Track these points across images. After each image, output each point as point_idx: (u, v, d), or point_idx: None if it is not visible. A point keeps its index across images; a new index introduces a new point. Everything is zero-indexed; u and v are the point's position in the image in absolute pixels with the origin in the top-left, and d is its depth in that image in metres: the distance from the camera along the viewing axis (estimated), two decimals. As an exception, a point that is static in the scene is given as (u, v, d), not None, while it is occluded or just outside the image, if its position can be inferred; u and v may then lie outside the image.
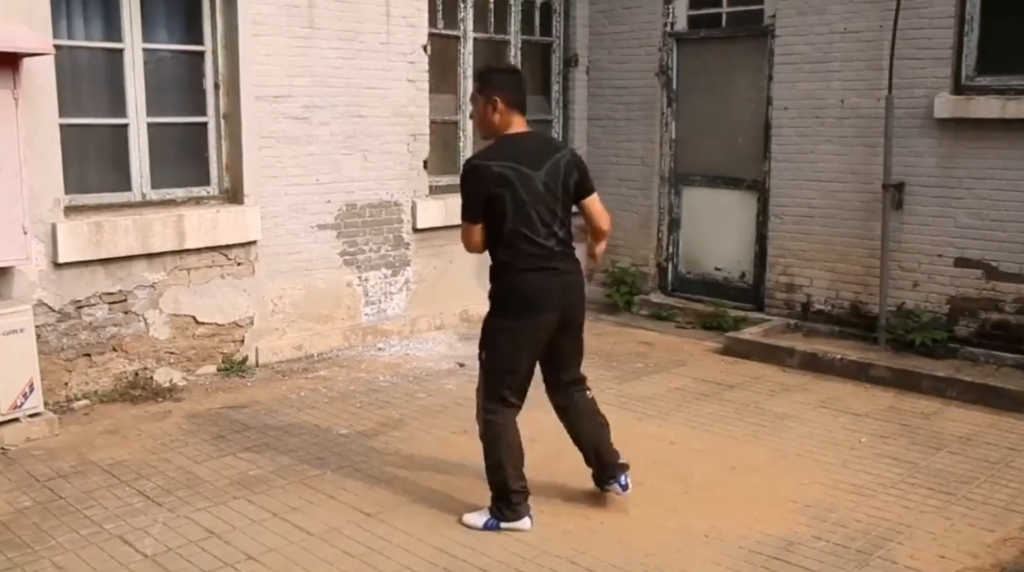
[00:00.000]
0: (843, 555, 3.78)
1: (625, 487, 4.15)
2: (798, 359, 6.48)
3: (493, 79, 3.92)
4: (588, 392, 4.21)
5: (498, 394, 3.94)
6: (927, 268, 6.69)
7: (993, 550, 3.84)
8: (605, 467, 4.17)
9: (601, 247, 4.17)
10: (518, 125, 3.89)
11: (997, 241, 6.37)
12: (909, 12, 6.52)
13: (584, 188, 4.00)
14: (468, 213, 3.84)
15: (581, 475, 4.55)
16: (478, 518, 4.02)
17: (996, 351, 6.34)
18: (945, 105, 6.45)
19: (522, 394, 4.00)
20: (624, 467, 4.18)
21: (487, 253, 3.94)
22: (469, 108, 7.76)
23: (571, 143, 8.52)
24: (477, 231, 3.85)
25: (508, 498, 3.95)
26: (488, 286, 3.97)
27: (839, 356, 6.36)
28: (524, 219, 3.77)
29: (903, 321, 6.69)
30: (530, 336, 3.88)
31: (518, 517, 3.96)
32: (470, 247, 3.93)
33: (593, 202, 4.04)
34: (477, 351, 4.01)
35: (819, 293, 7.26)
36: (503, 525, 3.97)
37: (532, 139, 3.96)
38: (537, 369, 4.06)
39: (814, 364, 6.38)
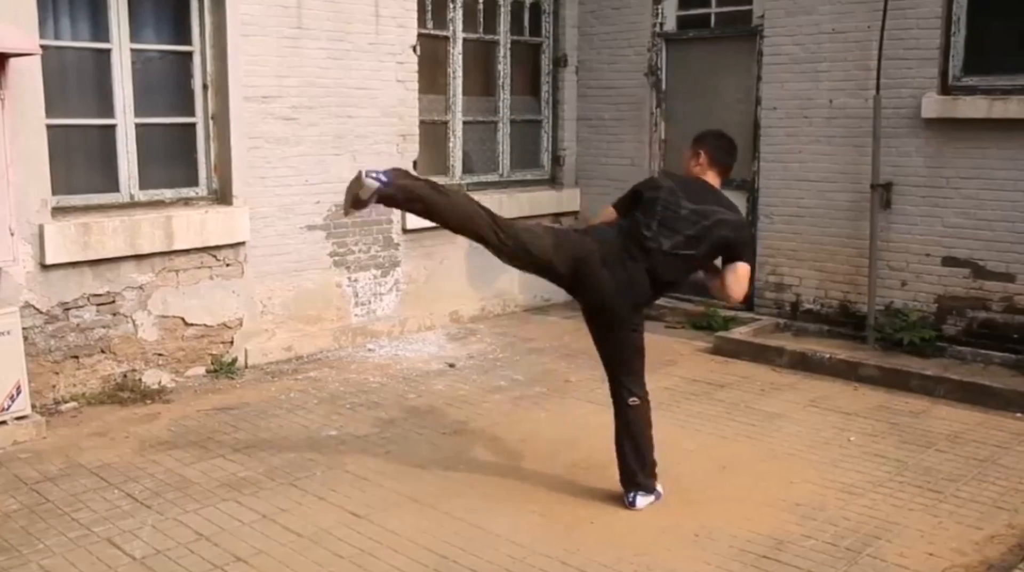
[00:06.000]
0: (832, 553, 3.79)
1: (631, 504, 4.18)
2: (787, 358, 6.50)
3: (705, 136, 4.45)
4: (631, 401, 4.17)
5: (512, 223, 4.11)
6: (915, 267, 6.72)
7: (981, 547, 3.85)
8: (621, 478, 4.24)
9: (717, 290, 4.31)
10: (711, 179, 4.32)
11: (984, 240, 6.40)
12: (897, 13, 6.55)
13: (731, 252, 4.16)
14: (617, 199, 4.40)
15: (573, 474, 4.56)
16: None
17: (983, 350, 6.37)
18: (932, 105, 6.48)
19: (514, 237, 3.98)
20: (636, 485, 4.19)
21: None
22: (460, 108, 7.79)
23: (561, 143, 8.54)
24: (609, 212, 4.38)
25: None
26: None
27: (828, 355, 6.38)
28: (648, 213, 4.12)
29: (892, 320, 6.72)
30: (569, 245, 4.11)
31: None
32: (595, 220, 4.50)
33: (733, 270, 4.15)
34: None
35: (808, 292, 7.28)
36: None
37: (709, 188, 4.28)
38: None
39: (803, 363, 6.40)
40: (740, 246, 4.21)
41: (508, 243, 3.97)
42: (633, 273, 4.05)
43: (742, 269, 4.16)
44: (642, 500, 4.18)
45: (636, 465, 4.19)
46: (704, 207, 4.14)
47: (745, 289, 4.22)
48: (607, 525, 4.05)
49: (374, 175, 3.85)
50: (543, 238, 4.11)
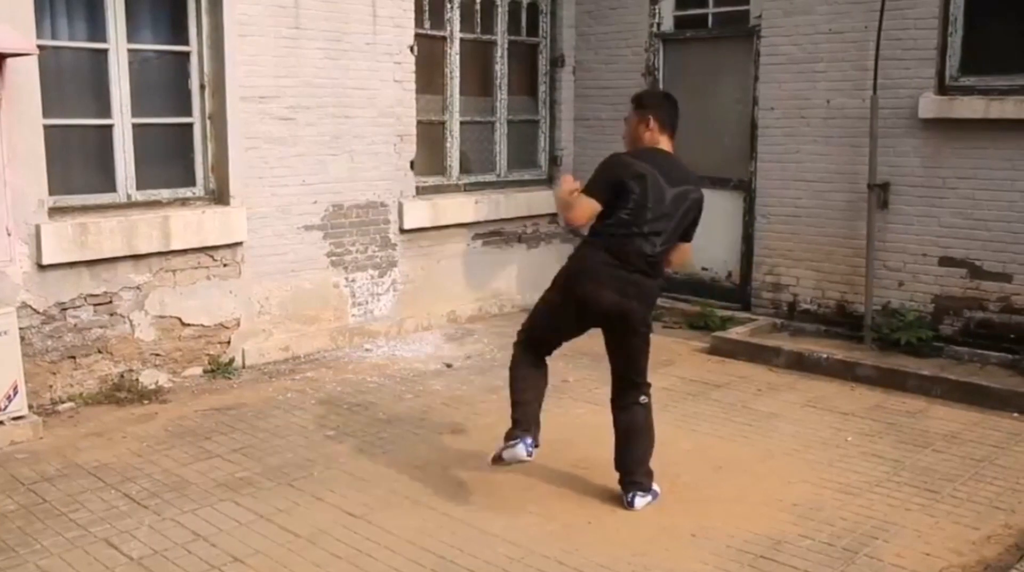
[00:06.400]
0: (830, 553, 3.80)
1: (630, 504, 4.18)
2: (785, 358, 6.50)
3: (648, 99, 4.28)
4: (642, 400, 4.21)
5: (527, 330, 4.30)
6: (912, 267, 6.73)
7: (977, 547, 3.86)
8: (620, 477, 4.25)
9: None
10: (665, 144, 4.17)
11: (981, 240, 6.41)
12: (894, 13, 6.56)
13: (691, 233, 4.22)
14: (593, 190, 4.06)
15: (571, 474, 4.56)
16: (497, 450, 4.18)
17: (980, 349, 6.38)
18: (929, 105, 6.49)
19: (543, 347, 4.28)
20: (634, 485, 4.20)
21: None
22: (457, 108, 7.79)
23: (558, 143, 8.54)
24: (591, 206, 4.02)
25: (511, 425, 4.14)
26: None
27: (825, 355, 6.38)
28: (638, 215, 3.98)
29: (888, 320, 6.72)
30: (565, 307, 4.12)
31: (514, 445, 4.03)
32: (570, 214, 4.06)
33: (686, 249, 4.30)
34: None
35: (805, 292, 7.29)
36: (504, 454, 4.09)
37: (675, 161, 4.16)
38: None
39: (800, 363, 6.41)
40: (696, 225, 4.24)
41: (539, 347, 4.27)
42: (644, 285, 4.07)
43: (687, 247, 4.30)
44: (640, 500, 4.18)
45: (638, 464, 4.21)
46: (682, 189, 4.06)
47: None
48: (605, 525, 4.05)
49: (530, 451, 4.07)
50: (548, 319, 4.20)
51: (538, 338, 4.28)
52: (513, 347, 4.35)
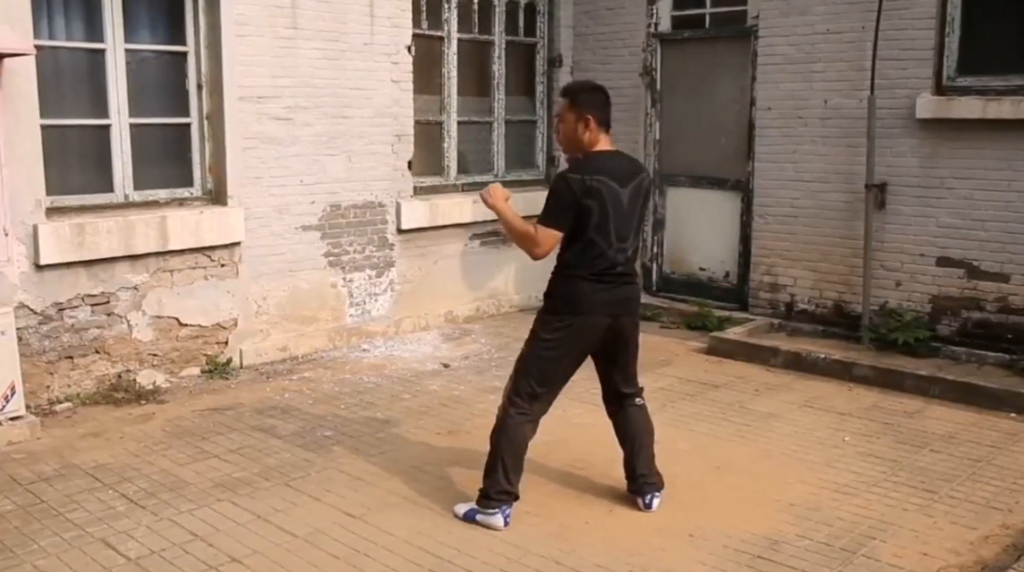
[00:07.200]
0: (827, 553, 3.80)
1: (648, 505, 4.18)
2: (782, 359, 6.51)
3: (584, 98, 3.97)
4: (638, 402, 4.23)
5: (528, 391, 3.98)
6: (909, 267, 6.74)
7: (975, 547, 3.87)
8: (634, 479, 4.22)
9: None
10: (604, 143, 3.97)
11: (978, 240, 6.42)
12: (891, 13, 6.57)
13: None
14: (551, 219, 3.89)
15: (568, 474, 4.56)
16: (463, 507, 4.10)
17: (978, 350, 6.39)
18: (927, 105, 6.49)
19: (551, 395, 4.04)
20: (653, 485, 4.20)
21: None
22: (455, 108, 7.78)
23: (555, 143, 8.53)
24: (553, 237, 3.89)
25: (489, 494, 4.00)
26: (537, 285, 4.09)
27: (823, 355, 6.39)
28: (603, 231, 3.85)
29: (886, 320, 6.73)
30: (576, 340, 3.94)
31: (493, 514, 3.98)
32: (538, 250, 3.93)
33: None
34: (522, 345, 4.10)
35: (803, 293, 7.30)
36: (478, 517, 4.01)
37: (619, 157, 4.03)
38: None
39: (798, 363, 6.41)
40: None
41: (546, 400, 4.04)
42: (632, 295, 4.07)
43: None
44: (657, 500, 4.20)
45: (650, 466, 4.22)
46: (635, 183, 3.93)
47: None
48: (602, 525, 4.05)
49: (507, 523, 4.01)
50: (558, 363, 3.97)
51: (548, 396, 4.01)
52: (510, 415, 3.98)
